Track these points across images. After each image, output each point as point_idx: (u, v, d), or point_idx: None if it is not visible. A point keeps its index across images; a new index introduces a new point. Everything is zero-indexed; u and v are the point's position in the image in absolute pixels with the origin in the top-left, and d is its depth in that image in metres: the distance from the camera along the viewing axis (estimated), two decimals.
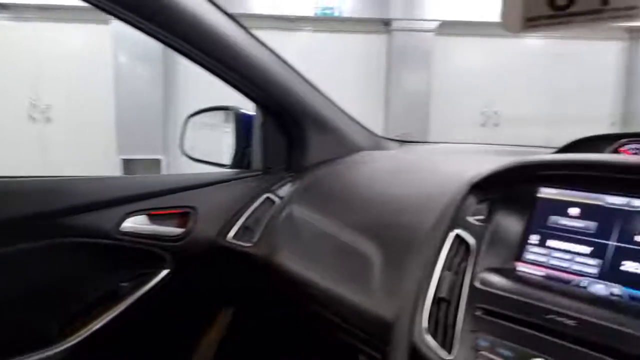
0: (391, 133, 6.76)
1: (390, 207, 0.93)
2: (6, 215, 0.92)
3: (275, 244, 1.02)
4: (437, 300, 0.67)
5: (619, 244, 0.62)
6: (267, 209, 1.12)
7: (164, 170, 6.57)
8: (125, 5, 0.86)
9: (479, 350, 0.59)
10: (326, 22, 7.12)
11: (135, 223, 1.03)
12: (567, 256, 0.66)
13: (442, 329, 0.64)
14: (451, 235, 0.73)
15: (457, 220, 0.74)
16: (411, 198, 0.91)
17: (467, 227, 0.72)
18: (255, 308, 1.20)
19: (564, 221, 0.68)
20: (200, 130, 1.66)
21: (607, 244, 0.63)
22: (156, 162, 6.54)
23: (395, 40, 7.20)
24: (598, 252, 0.63)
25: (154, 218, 1.06)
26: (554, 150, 0.89)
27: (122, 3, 0.86)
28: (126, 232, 1.02)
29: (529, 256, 0.69)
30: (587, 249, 0.64)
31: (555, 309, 0.57)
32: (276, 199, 1.13)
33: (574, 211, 0.67)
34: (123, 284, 1.03)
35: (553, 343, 0.55)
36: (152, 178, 1.16)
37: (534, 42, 7.84)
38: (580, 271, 0.64)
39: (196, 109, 1.44)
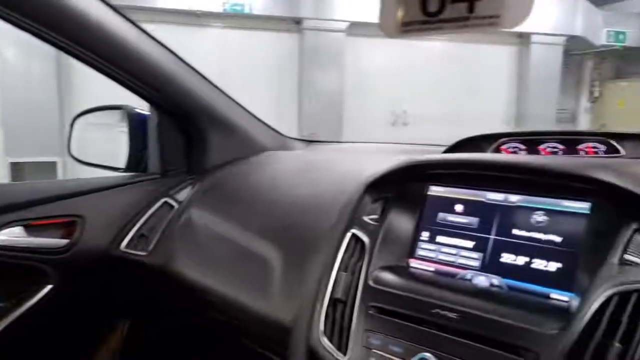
0: (305, 132, 6.81)
1: (291, 209, 0.92)
2: None
3: (172, 252, 0.97)
4: (333, 302, 0.67)
5: (498, 237, 0.66)
6: (165, 214, 1.06)
7: (60, 174, 6.06)
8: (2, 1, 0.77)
9: (372, 349, 0.60)
10: (236, 18, 6.99)
11: (10, 236, 0.93)
12: (454, 251, 0.69)
13: (339, 330, 0.65)
14: (348, 235, 0.73)
15: (353, 220, 0.75)
16: (312, 199, 0.91)
17: (363, 226, 0.73)
18: (153, 319, 1.13)
19: (450, 217, 0.71)
20: (94, 131, 1.54)
21: (488, 238, 0.67)
22: (51, 165, 6.01)
23: (306, 39, 7.26)
24: (480, 246, 0.67)
25: (33, 229, 0.95)
26: (444, 149, 0.94)
27: None
28: (1, 245, 0.91)
29: (420, 252, 0.71)
30: (470, 244, 0.68)
31: (440, 303, 0.59)
32: (175, 204, 1.07)
33: (459, 208, 0.71)
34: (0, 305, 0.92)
35: (438, 337, 0.57)
36: (33, 185, 1.05)
37: (439, 45, 8.32)
38: (465, 264, 0.67)
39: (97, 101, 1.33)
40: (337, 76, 7.45)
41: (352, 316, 0.64)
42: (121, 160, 1.27)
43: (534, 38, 8.55)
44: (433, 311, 0.59)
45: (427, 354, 0.56)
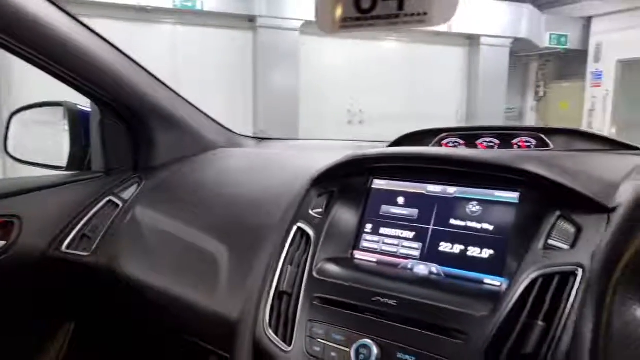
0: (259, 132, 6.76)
1: (238, 204, 0.92)
2: None
3: (117, 251, 0.95)
4: (278, 294, 0.68)
5: (437, 228, 0.69)
6: (109, 213, 1.03)
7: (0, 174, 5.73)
8: None
9: (315, 339, 0.61)
10: (188, 15, 6.85)
11: None
12: (396, 242, 0.71)
13: (284, 322, 0.66)
14: (293, 229, 0.74)
15: (299, 214, 0.76)
16: (259, 195, 0.91)
17: (308, 220, 0.74)
18: (98, 320, 1.10)
19: (393, 209, 0.73)
20: (35, 128, 1.48)
21: (427, 228, 0.70)
22: None
23: (260, 37, 7.21)
24: (420, 236, 0.70)
25: None
26: (388, 144, 0.96)
27: None
28: None
29: (364, 244, 0.73)
30: (411, 234, 0.70)
31: (381, 291, 0.61)
32: (119, 202, 1.05)
33: (400, 200, 0.73)
34: None
35: (378, 324, 0.59)
36: None
37: (394, 45, 8.48)
38: (406, 254, 0.70)
39: (39, 99, 1.27)
40: (293, 75, 7.44)
41: (297, 308, 0.65)
42: (64, 160, 1.23)
43: (482, 40, 8.87)
44: (374, 299, 0.61)
45: (368, 341, 0.57)
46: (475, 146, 0.90)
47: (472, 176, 0.68)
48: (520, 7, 9.05)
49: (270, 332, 0.65)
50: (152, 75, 1.14)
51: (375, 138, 1.32)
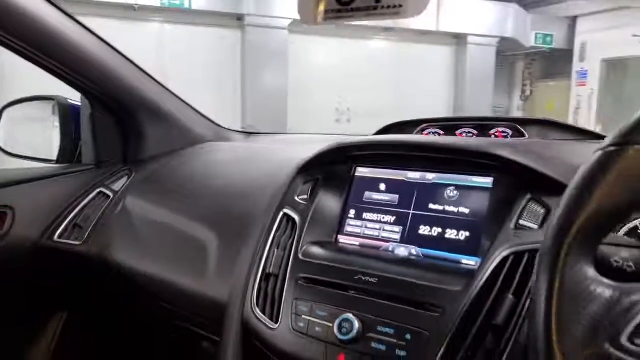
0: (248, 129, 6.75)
1: (226, 194, 0.95)
2: None
3: (108, 240, 0.97)
4: (266, 276, 0.71)
5: (416, 212, 0.73)
6: (100, 203, 1.05)
7: None
8: None
9: (301, 316, 0.64)
10: (176, 13, 6.83)
11: None
12: (378, 226, 0.75)
13: (270, 302, 0.69)
14: (280, 215, 0.77)
15: (285, 201, 0.79)
16: (247, 184, 0.94)
17: (294, 206, 0.77)
18: (90, 309, 1.12)
19: (375, 196, 0.77)
20: (26, 124, 1.49)
21: (408, 213, 0.73)
22: None
23: (249, 35, 7.22)
24: (401, 221, 0.73)
25: None
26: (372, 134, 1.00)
27: None
28: None
29: (348, 229, 0.77)
30: (392, 219, 0.74)
31: (363, 270, 0.65)
32: (110, 193, 1.07)
33: (382, 186, 0.77)
34: None
35: (360, 300, 0.62)
36: None
37: (382, 44, 8.53)
38: (387, 238, 0.73)
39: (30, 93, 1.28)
40: (281, 74, 7.46)
41: (283, 288, 0.68)
42: (54, 154, 1.25)
43: (469, 39, 8.96)
44: (356, 277, 0.64)
45: (350, 315, 0.61)
46: (454, 135, 0.94)
47: (449, 163, 0.71)
48: (507, 6, 9.16)
49: (258, 311, 0.68)
50: (141, 70, 1.16)
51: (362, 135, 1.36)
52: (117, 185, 1.09)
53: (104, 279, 0.98)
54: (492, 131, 0.91)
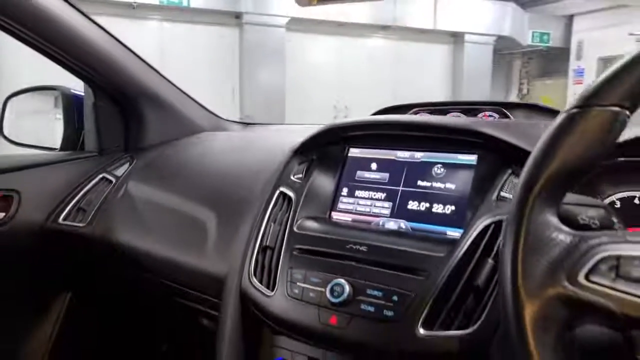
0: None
1: (225, 177, 0.98)
2: None
3: (111, 222, 1.01)
4: (263, 249, 0.75)
5: (405, 189, 0.76)
6: (103, 188, 1.09)
7: None
8: None
9: (295, 283, 0.68)
10: (174, 11, 6.86)
11: None
12: (369, 202, 0.78)
13: (267, 272, 0.73)
14: (276, 193, 0.81)
15: (281, 180, 0.83)
16: (244, 167, 0.98)
17: (289, 184, 0.81)
18: (93, 290, 1.16)
19: (366, 174, 0.80)
20: (29, 116, 1.52)
21: (397, 190, 0.77)
22: None
23: (247, 33, 7.25)
24: (390, 197, 0.77)
25: None
26: None
27: None
28: None
29: (341, 205, 0.81)
30: (382, 195, 0.78)
31: (354, 240, 0.69)
32: (112, 179, 1.11)
33: (374, 166, 0.80)
34: None
35: (350, 266, 0.66)
36: None
37: (380, 43, 8.57)
38: (378, 213, 0.77)
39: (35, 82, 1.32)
40: (279, 71, 7.49)
41: (279, 259, 0.72)
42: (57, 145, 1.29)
43: (466, 37, 9.01)
44: (347, 247, 0.68)
45: (341, 280, 0.64)
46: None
47: (437, 142, 0.75)
48: (504, 5, 9.20)
49: (255, 281, 0.72)
50: (143, 61, 1.20)
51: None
52: (119, 171, 1.13)
53: (107, 259, 1.02)
54: (480, 115, 0.95)
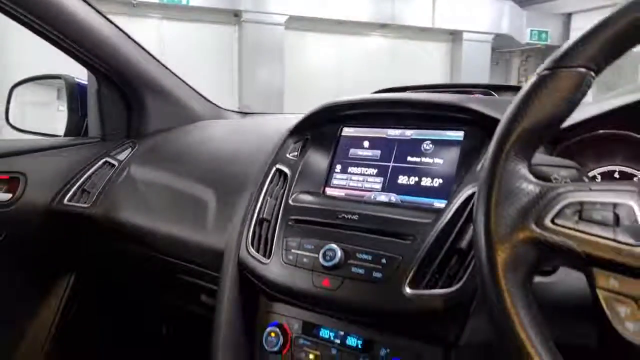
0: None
1: (224, 158, 1.02)
2: None
3: (114, 202, 1.04)
4: (259, 221, 0.79)
5: (396, 165, 0.80)
6: (106, 171, 1.13)
7: None
8: None
9: (289, 250, 0.72)
10: (174, 10, 6.90)
11: None
12: (361, 178, 0.82)
13: (264, 243, 0.76)
14: (272, 170, 0.85)
15: (277, 158, 0.87)
16: (242, 150, 1.02)
17: (285, 162, 0.85)
18: (97, 270, 1.20)
19: (359, 152, 0.84)
20: (32, 107, 1.56)
21: (388, 166, 0.81)
22: None
23: (246, 32, 7.29)
24: (382, 172, 0.81)
25: None
26: None
27: None
28: None
29: (334, 182, 0.84)
30: (374, 171, 0.81)
31: (345, 210, 0.72)
32: (115, 162, 1.14)
33: (366, 144, 0.84)
34: None
35: (342, 233, 0.70)
36: None
37: (379, 41, 8.61)
38: (370, 188, 0.81)
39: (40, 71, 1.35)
40: (278, 69, 7.53)
41: (275, 230, 0.76)
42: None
43: (465, 35, 9.05)
44: (339, 216, 0.72)
45: (333, 245, 0.68)
46: None
47: (426, 120, 0.79)
48: (502, 3, 9.25)
49: (252, 250, 0.76)
50: (145, 51, 1.24)
51: None
52: (122, 156, 1.17)
53: (111, 238, 1.06)
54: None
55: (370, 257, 0.66)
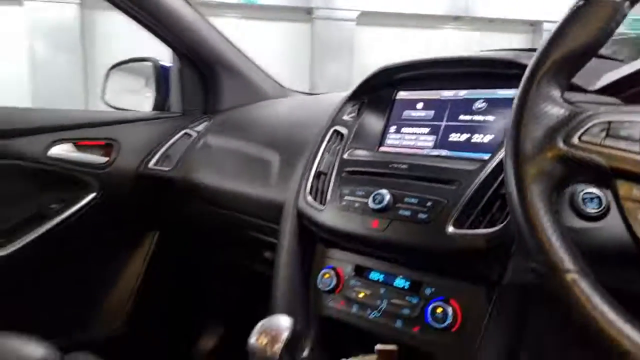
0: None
1: (288, 128, 1.11)
2: None
3: (192, 166, 1.17)
4: (317, 175, 0.86)
5: (448, 123, 0.84)
6: (185, 140, 1.26)
7: None
8: None
9: (343, 197, 0.78)
10: (250, 9, 7.20)
11: (62, 150, 1.14)
12: (414, 137, 0.86)
13: (320, 192, 0.83)
14: (330, 131, 0.92)
15: (335, 120, 0.93)
16: (305, 119, 1.10)
17: (342, 123, 0.91)
18: (177, 228, 1.34)
19: (413, 113, 0.88)
20: (125, 94, 1.75)
21: (440, 125, 0.84)
22: None
23: (317, 29, 7.43)
24: (433, 131, 0.84)
25: (80, 147, 1.17)
26: None
27: None
28: (54, 157, 1.13)
29: (388, 142, 0.89)
30: (427, 130, 0.85)
31: (396, 160, 0.77)
32: (193, 133, 1.27)
33: (419, 105, 0.88)
34: (52, 207, 1.14)
35: (392, 180, 0.75)
36: (76, 112, 1.27)
37: (454, 33, 8.40)
38: (422, 146, 0.85)
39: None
40: (348, 65, 7.59)
41: (330, 181, 0.82)
42: None
43: (545, 26, 8.58)
44: (390, 166, 0.77)
45: (383, 190, 0.73)
46: None
47: (479, 79, 0.82)
48: None
49: (310, 199, 0.83)
50: (222, 34, 1.36)
51: None
52: (199, 128, 1.30)
53: (188, 198, 1.18)
54: None
55: (416, 201, 0.71)
